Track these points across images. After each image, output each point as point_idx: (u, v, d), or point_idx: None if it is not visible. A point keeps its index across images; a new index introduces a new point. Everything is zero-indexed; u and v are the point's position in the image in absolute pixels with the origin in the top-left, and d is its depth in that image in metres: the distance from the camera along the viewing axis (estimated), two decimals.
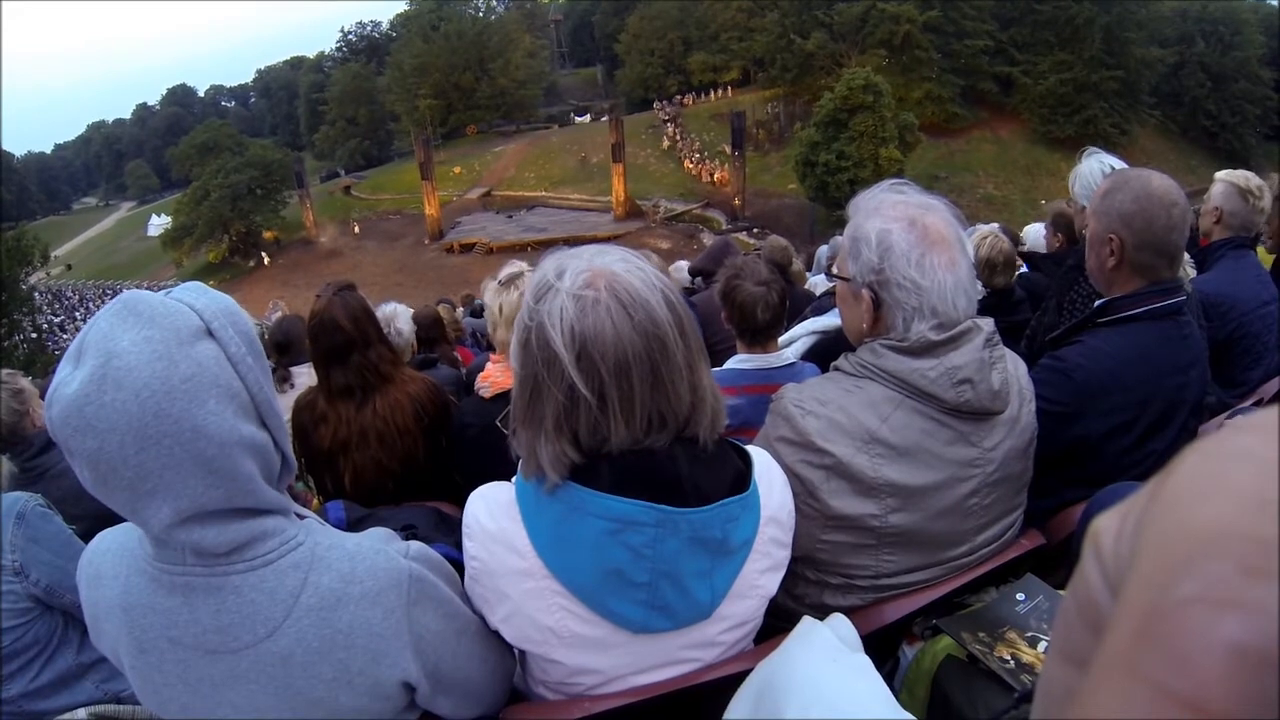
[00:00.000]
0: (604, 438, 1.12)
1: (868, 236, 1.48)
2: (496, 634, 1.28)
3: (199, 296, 1.02)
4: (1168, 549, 0.25)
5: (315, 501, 2.79)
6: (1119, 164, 2.77)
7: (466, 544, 1.23)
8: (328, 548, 1.12)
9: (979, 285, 3.40)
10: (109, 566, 1.11)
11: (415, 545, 1.21)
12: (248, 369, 1.02)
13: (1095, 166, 2.81)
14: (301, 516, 1.18)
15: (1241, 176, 3.06)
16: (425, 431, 2.46)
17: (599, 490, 1.12)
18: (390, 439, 2.40)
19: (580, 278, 1.11)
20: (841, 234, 1.69)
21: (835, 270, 1.61)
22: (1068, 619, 0.30)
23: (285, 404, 4.18)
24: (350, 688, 1.11)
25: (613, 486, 1.11)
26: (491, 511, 1.22)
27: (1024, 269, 4.45)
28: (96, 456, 0.91)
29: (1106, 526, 0.30)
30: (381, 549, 1.15)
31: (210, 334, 0.99)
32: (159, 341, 0.93)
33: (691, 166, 46.39)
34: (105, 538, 1.16)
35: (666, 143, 50.00)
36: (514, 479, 1.25)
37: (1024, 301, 3.91)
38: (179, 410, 0.92)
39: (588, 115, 60.80)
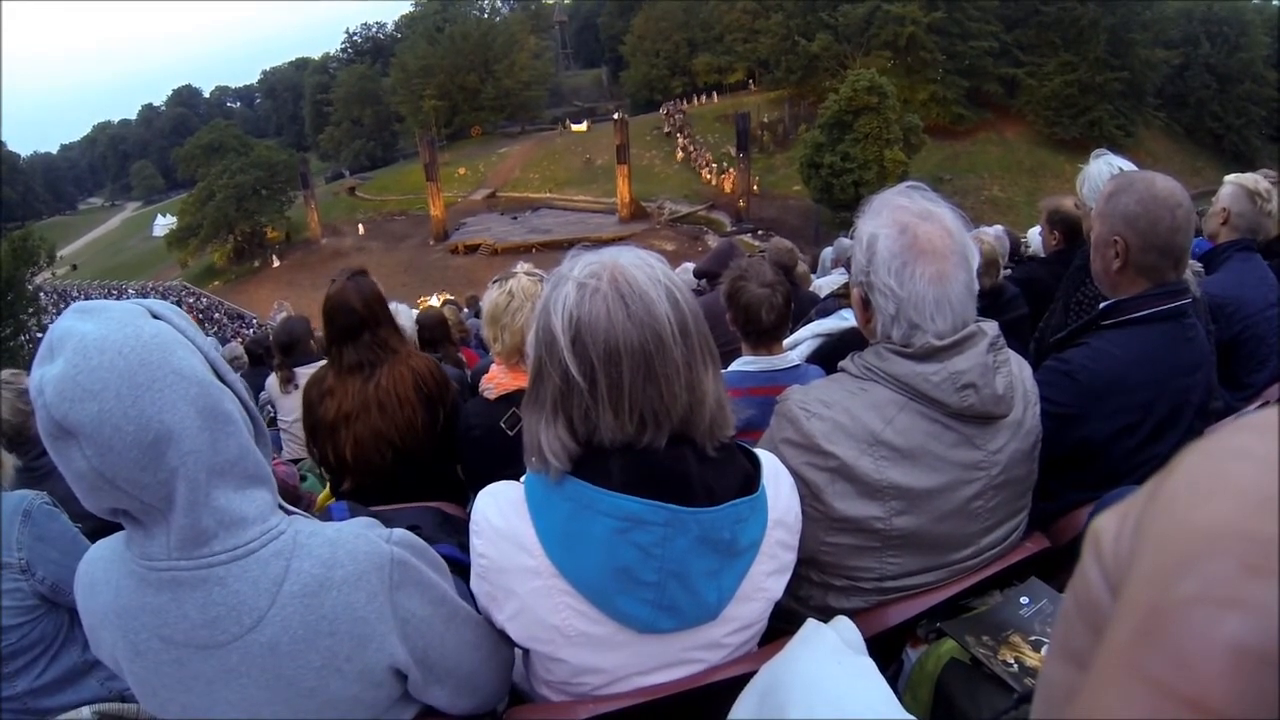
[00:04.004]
0: (594, 425, 1.14)
1: (862, 237, 1.49)
2: (492, 626, 1.29)
3: (136, 299, 1.11)
4: (1168, 548, 0.25)
5: (324, 493, 2.80)
6: (1129, 166, 2.76)
7: (474, 541, 1.23)
8: (309, 535, 1.13)
9: None
10: (101, 574, 1.13)
11: (399, 531, 1.21)
12: (194, 336, 1.10)
13: (1105, 169, 2.81)
14: (289, 512, 1.19)
15: (1251, 179, 3.05)
16: (424, 402, 2.52)
17: (609, 489, 1.12)
18: (391, 408, 2.46)
19: (588, 269, 1.15)
20: (846, 235, 1.71)
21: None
22: (1068, 619, 0.30)
23: (292, 405, 4.21)
24: (340, 675, 1.12)
25: (623, 485, 1.12)
26: (500, 509, 1.23)
27: (1008, 271, 4.44)
28: (99, 420, 0.94)
29: (1106, 526, 0.29)
30: (363, 534, 1.16)
31: (155, 316, 1.07)
32: (118, 319, 1.01)
33: (710, 176, 46.24)
34: (97, 548, 1.17)
35: (680, 154, 49.93)
36: (523, 478, 1.26)
37: (1017, 298, 3.90)
38: (157, 358, 0.99)
39: (585, 123, 59.11)
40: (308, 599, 1.08)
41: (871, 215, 1.50)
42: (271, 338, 5.78)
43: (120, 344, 0.97)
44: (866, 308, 1.52)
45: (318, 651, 1.10)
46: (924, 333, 1.43)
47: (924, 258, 1.42)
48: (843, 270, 5.79)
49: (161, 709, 1.16)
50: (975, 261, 1.49)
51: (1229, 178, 3.13)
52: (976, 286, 1.49)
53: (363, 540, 1.14)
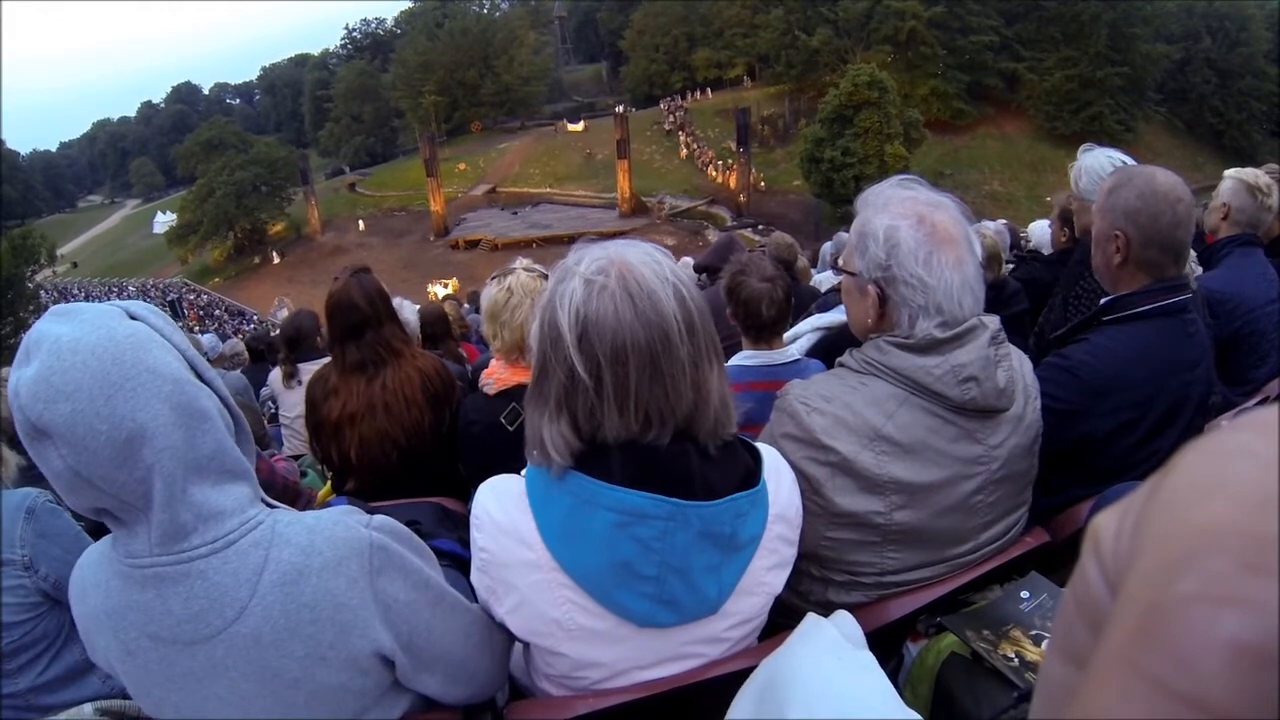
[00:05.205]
0: (599, 423, 1.14)
1: (875, 232, 1.46)
2: (484, 614, 1.29)
3: (114, 301, 1.12)
4: (1167, 546, 0.25)
5: (324, 489, 2.80)
6: (1124, 157, 2.77)
7: (475, 535, 1.23)
8: (287, 524, 1.13)
9: None
10: (91, 577, 1.13)
11: (379, 517, 1.21)
12: (171, 334, 1.11)
13: (1104, 160, 2.80)
14: (272, 506, 1.19)
15: (1250, 174, 3.05)
16: (430, 402, 2.50)
17: (610, 483, 1.12)
18: (397, 410, 2.45)
19: (595, 264, 1.14)
20: (846, 230, 1.68)
21: (842, 264, 1.61)
22: (1067, 617, 0.30)
23: (294, 400, 4.20)
24: (325, 663, 1.12)
25: (624, 480, 1.12)
26: (501, 503, 1.22)
27: (1011, 265, 4.42)
28: (72, 420, 0.95)
29: (1106, 524, 0.29)
30: (342, 520, 1.16)
31: (133, 317, 1.08)
32: (93, 321, 1.02)
33: (716, 174, 46.10)
34: (88, 554, 1.17)
35: (684, 151, 49.83)
36: (524, 471, 1.26)
37: (1019, 292, 3.90)
38: (131, 357, 1.00)
39: (581, 122, 57.71)
40: (288, 587, 1.08)
41: (878, 209, 1.48)
42: (279, 331, 5.76)
43: (93, 344, 0.98)
44: (884, 303, 1.49)
45: (301, 640, 1.10)
46: (951, 319, 1.43)
47: (945, 245, 1.42)
48: (832, 271, 5.76)
49: (156, 709, 1.17)
50: (978, 246, 1.49)
51: (1229, 172, 3.13)
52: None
53: (341, 526, 1.14)
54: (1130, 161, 2.72)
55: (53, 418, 0.95)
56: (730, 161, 44.91)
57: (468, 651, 1.29)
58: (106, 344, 0.99)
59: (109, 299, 1.15)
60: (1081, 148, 2.99)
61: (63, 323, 1.00)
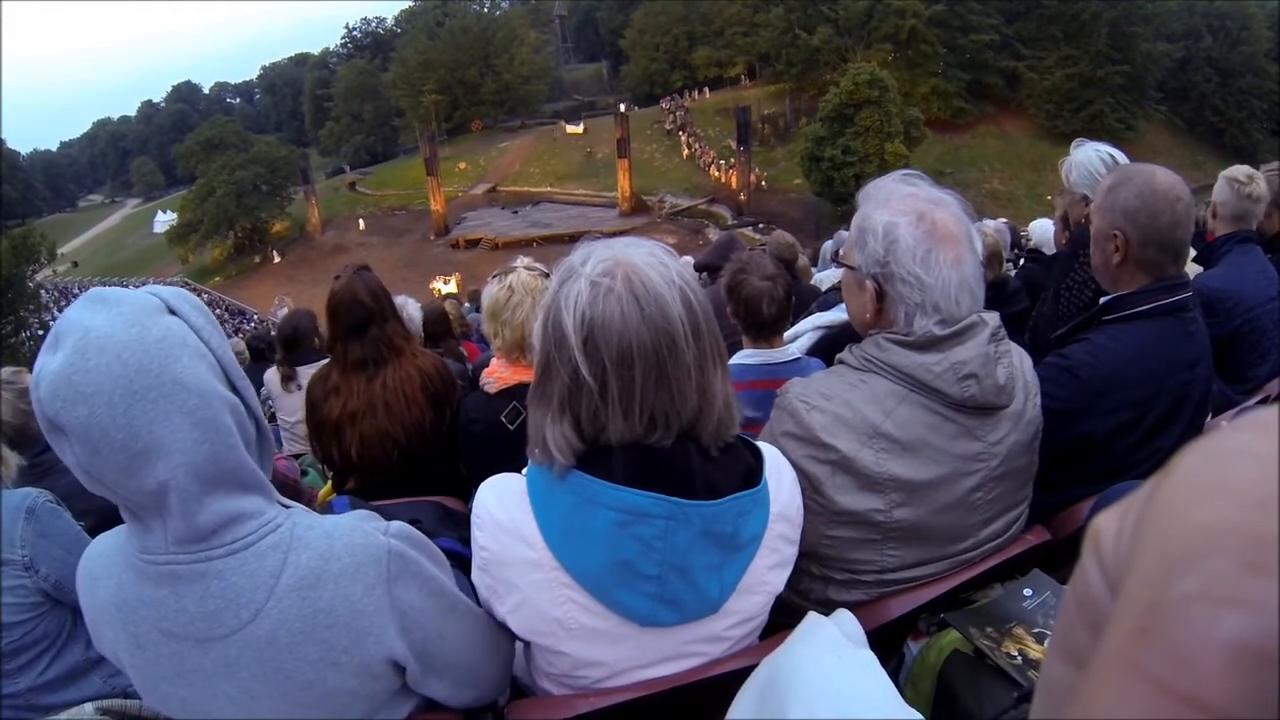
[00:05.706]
0: (603, 426, 1.13)
1: (875, 228, 1.46)
2: (491, 618, 1.29)
3: (156, 288, 1.10)
4: (1167, 546, 0.25)
5: (325, 489, 2.81)
6: (1115, 151, 2.77)
7: (476, 534, 1.23)
8: (306, 527, 1.12)
9: None
10: (102, 568, 1.12)
11: (396, 524, 1.20)
12: (209, 335, 1.09)
13: (1093, 155, 2.80)
14: (286, 506, 1.18)
15: (1235, 168, 3.06)
16: (431, 401, 2.51)
17: (612, 482, 1.12)
18: (398, 409, 2.45)
19: (601, 265, 1.13)
20: (847, 228, 1.68)
21: (842, 257, 1.61)
22: (1068, 617, 0.30)
23: (294, 405, 4.17)
24: (337, 668, 1.12)
25: (626, 479, 1.12)
26: (502, 501, 1.22)
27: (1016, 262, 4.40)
28: (88, 423, 0.93)
29: (1106, 524, 0.29)
30: (359, 526, 1.15)
31: (171, 310, 1.06)
32: (128, 315, 0.99)
33: (717, 173, 46.00)
34: (98, 543, 1.17)
35: (685, 150, 49.79)
36: (525, 470, 1.26)
37: (1020, 291, 3.89)
38: (158, 365, 0.97)
39: (580, 123, 56.66)
40: (305, 592, 1.08)
41: (879, 205, 1.48)
42: (275, 330, 5.73)
43: (121, 346, 0.95)
44: (881, 299, 1.49)
45: (315, 644, 1.09)
46: (948, 318, 1.43)
47: (944, 244, 1.42)
48: (834, 265, 5.76)
49: (162, 704, 1.16)
50: (979, 245, 1.49)
51: (1223, 172, 3.13)
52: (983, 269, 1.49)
53: (359, 533, 1.14)
54: (1122, 157, 2.73)
55: (69, 418, 0.93)
56: (731, 160, 44.75)
57: (476, 657, 1.29)
58: (135, 347, 0.96)
59: None
60: (1074, 142, 2.99)
61: (98, 312, 0.98)
